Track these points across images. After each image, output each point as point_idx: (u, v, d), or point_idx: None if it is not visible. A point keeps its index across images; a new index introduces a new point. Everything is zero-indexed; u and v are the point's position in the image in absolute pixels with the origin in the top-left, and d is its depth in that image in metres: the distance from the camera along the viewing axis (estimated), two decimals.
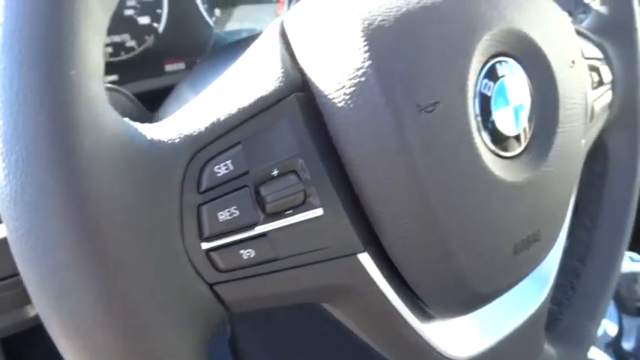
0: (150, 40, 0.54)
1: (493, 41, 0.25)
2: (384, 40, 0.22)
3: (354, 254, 0.23)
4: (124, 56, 0.53)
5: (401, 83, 0.22)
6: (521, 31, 0.26)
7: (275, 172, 0.21)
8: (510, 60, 0.26)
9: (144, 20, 0.53)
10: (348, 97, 0.22)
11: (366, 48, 0.22)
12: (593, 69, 0.36)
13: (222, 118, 0.21)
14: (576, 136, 0.29)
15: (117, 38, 0.52)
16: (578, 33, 0.36)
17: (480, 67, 0.25)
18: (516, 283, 0.29)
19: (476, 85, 0.24)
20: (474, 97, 0.24)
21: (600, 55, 0.38)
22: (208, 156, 0.21)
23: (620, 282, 0.65)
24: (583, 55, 0.35)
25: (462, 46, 0.23)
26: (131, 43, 0.53)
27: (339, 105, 0.22)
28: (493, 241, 0.25)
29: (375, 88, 0.22)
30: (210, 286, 0.21)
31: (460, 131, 0.23)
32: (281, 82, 0.22)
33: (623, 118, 0.40)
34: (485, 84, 0.25)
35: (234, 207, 0.20)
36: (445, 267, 0.24)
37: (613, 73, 0.39)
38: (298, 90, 0.23)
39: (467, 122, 0.23)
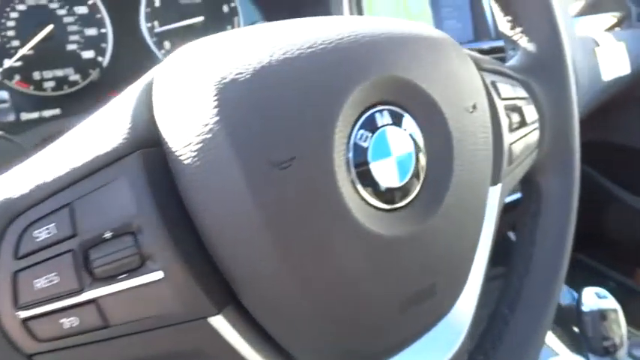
0: (95, 74, 0.54)
1: (372, 90, 0.24)
2: (237, 95, 0.21)
3: (204, 318, 0.22)
4: (67, 90, 0.53)
5: (251, 139, 0.21)
6: (406, 79, 0.25)
7: (108, 235, 0.20)
8: (395, 108, 0.25)
9: (88, 54, 0.53)
10: (196, 154, 0.21)
11: (216, 103, 0.21)
12: (514, 109, 0.35)
13: (49, 180, 0.20)
14: (478, 183, 0.28)
15: (59, 72, 0.52)
16: (498, 73, 0.35)
17: (354, 117, 0.23)
18: (411, 340, 0.27)
19: (349, 136, 0.23)
20: (347, 150, 0.23)
21: (524, 95, 0.36)
22: (30, 220, 0.20)
23: (586, 320, 0.62)
24: (500, 96, 0.33)
25: (328, 99, 0.22)
26: (75, 77, 0.53)
27: (187, 163, 0.21)
28: (371, 299, 0.24)
29: (223, 145, 0.20)
30: (29, 357, 0.20)
31: (324, 187, 0.22)
32: (125, 138, 0.21)
33: (555, 157, 0.39)
34: (362, 135, 0.24)
35: (54, 273, 0.19)
36: (317, 327, 0.23)
37: (540, 112, 0.37)
38: (150, 145, 0.22)
39: (332, 177, 0.22)
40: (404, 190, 0.25)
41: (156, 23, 0.56)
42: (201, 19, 0.58)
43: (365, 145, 0.23)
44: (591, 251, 1.31)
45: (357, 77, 0.23)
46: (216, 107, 0.21)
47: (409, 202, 0.25)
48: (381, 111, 0.24)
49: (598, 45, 1.02)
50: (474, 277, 0.32)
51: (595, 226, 1.35)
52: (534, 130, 0.37)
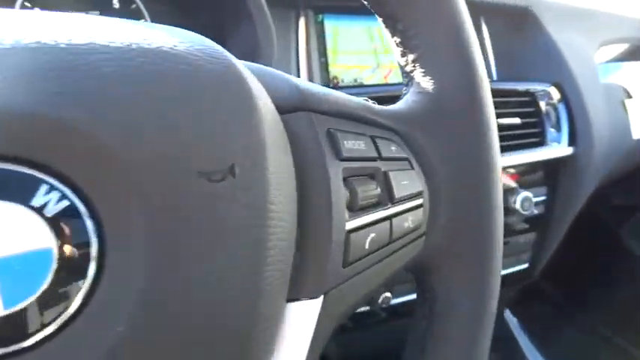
0: None
1: None
2: None
3: None
4: None
5: None
6: (53, 118, 0.14)
7: None
8: (20, 168, 0.14)
9: None
10: None
11: None
12: (371, 176, 0.22)
13: None
14: (240, 305, 0.16)
15: None
16: (351, 117, 0.23)
17: None
18: None
19: None
20: None
21: (399, 154, 0.24)
22: None
23: None
24: (337, 155, 0.21)
25: None
26: None
27: None
28: None
29: None
30: None
31: None
32: None
33: (457, 251, 0.25)
34: None
35: None
36: None
37: (430, 182, 0.24)
38: None
39: None
40: (18, 321, 0.14)
41: None
42: None
43: None
44: (618, 328, 1.13)
45: None
46: None
47: (37, 344, 0.14)
48: None
49: (630, 97, 0.86)
50: None
51: (621, 299, 1.17)
52: (414, 209, 0.24)
